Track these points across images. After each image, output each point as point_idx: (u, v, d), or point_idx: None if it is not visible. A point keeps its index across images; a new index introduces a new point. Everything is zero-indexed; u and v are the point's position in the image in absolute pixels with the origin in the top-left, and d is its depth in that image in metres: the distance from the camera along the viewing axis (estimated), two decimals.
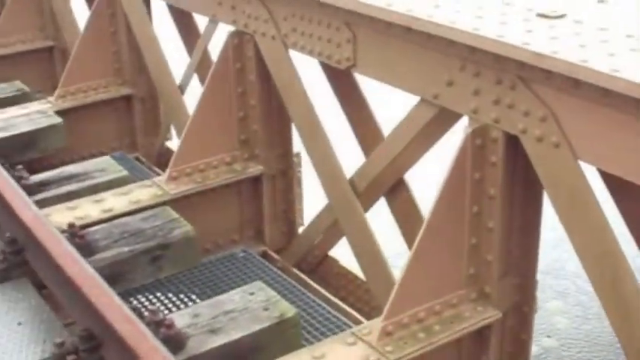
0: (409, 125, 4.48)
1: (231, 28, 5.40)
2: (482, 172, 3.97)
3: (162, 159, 6.80)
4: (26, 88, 7.16)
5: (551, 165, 3.64)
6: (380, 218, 5.16)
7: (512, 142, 3.83)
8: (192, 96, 5.94)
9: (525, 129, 3.70)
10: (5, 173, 5.17)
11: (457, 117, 4.23)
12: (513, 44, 3.58)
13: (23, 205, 4.76)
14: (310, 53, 4.84)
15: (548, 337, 6.85)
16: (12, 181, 5.07)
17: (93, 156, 6.53)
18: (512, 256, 4.15)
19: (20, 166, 5.48)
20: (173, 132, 6.77)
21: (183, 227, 4.71)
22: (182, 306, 4.90)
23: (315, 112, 5.02)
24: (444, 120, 4.33)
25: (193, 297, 5.02)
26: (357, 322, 4.71)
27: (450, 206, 4.00)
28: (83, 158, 6.57)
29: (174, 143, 6.77)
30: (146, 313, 3.82)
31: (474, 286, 4.16)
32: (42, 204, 5.03)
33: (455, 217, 4.04)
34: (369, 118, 5.24)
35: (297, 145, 5.40)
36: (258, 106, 5.39)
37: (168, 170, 5.36)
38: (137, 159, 6.83)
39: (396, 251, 5.24)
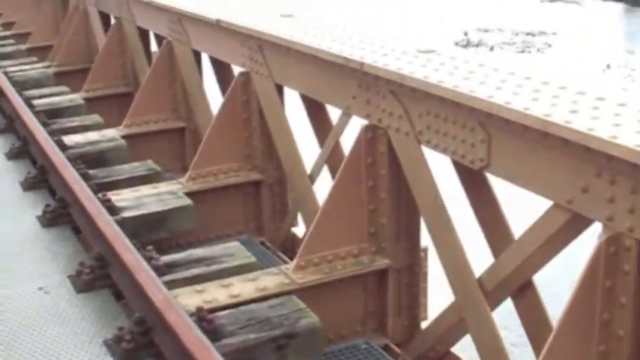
0: (541, 228, 4.45)
1: (364, 121, 5.47)
2: (614, 280, 3.92)
3: (287, 244, 6.88)
4: (157, 168, 7.34)
5: None
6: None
7: None
8: (322, 186, 6.01)
9: None
10: (137, 253, 5.28)
11: (589, 223, 4.19)
12: None
13: (153, 286, 4.84)
14: (444, 151, 4.87)
15: None
16: (143, 262, 5.17)
17: (219, 238, 6.65)
18: None
19: (150, 247, 5.59)
20: (299, 218, 6.83)
21: (310, 318, 4.73)
22: None
23: (445, 208, 5.03)
24: (576, 225, 4.29)
25: None
26: None
27: (581, 313, 3.96)
28: (210, 239, 6.69)
29: (299, 229, 6.83)
30: None
31: None
32: (171, 285, 5.12)
33: (585, 324, 3.99)
34: (499, 218, 5.23)
35: (425, 239, 5.41)
36: (387, 199, 5.43)
37: (296, 259, 5.42)
38: (262, 243, 6.91)
39: None
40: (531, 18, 33.42)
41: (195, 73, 8.24)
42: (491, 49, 28.49)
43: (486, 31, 31.46)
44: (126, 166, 7.43)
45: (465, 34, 30.83)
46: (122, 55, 10.09)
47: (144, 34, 9.87)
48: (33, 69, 11.66)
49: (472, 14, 35.03)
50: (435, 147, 4.94)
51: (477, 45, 29.04)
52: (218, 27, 7.32)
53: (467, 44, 29.23)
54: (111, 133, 8.33)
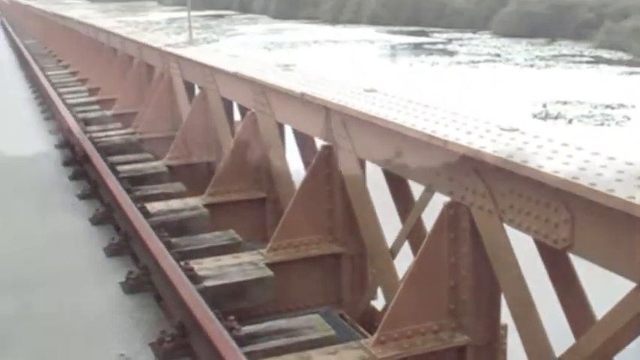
0: (623, 310, 4.42)
1: (447, 198, 5.50)
2: None
3: (366, 317, 6.90)
4: (239, 238, 7.44)
5: None
6: None
7: None
8: (403, 260, 6.05)
9: None
10: (218, 323, 5.35)
11: None
12: None
13: (235, 356, 4.90)
14: (526, 230, 4.88)
15: None
16: (224, 332, 5.24)
17: (299, 309, 6.69)
18: None
19: (232, 317, 5.66)
20: (379, 292, 6.85)
21: None
22: None
23: (527, 286, 5.02)
24: None
25: None
26: None
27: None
28: (289, 310, 6.74)
29: (379, 303, 6.86)
30: None
31: None
32: (251, 356, 5.17)
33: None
34: (581, 299, 5.21)
35: (505, 316, 5.40)
36: (469, 276, 5.44)
37: (376, 334, 5.44)
38: (342, 316, 6.94)
39: None
40: (610, 91, 33.30)
41: (278, 144, 8.35)
42: (570, 121, 28.40)
43: (565, 103, 31.38)
44: (208, 235, 7.54)
45: (544, 105, 30.79)
46: (206, 125, 10.25)
47: (227, 105, 10.03)
48: (118, 135, 11.91)
49: (551, 86, 34.99)
50: (518, 226, 4.95)
51: (556, 117, 28.98)
52: (302, 100, 7.44)
53: (545, 116, 29.18)
54: (193, 201, 8.46)
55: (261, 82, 8.45)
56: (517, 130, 5.51)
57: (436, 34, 57.88)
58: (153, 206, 8.23)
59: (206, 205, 8.34)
